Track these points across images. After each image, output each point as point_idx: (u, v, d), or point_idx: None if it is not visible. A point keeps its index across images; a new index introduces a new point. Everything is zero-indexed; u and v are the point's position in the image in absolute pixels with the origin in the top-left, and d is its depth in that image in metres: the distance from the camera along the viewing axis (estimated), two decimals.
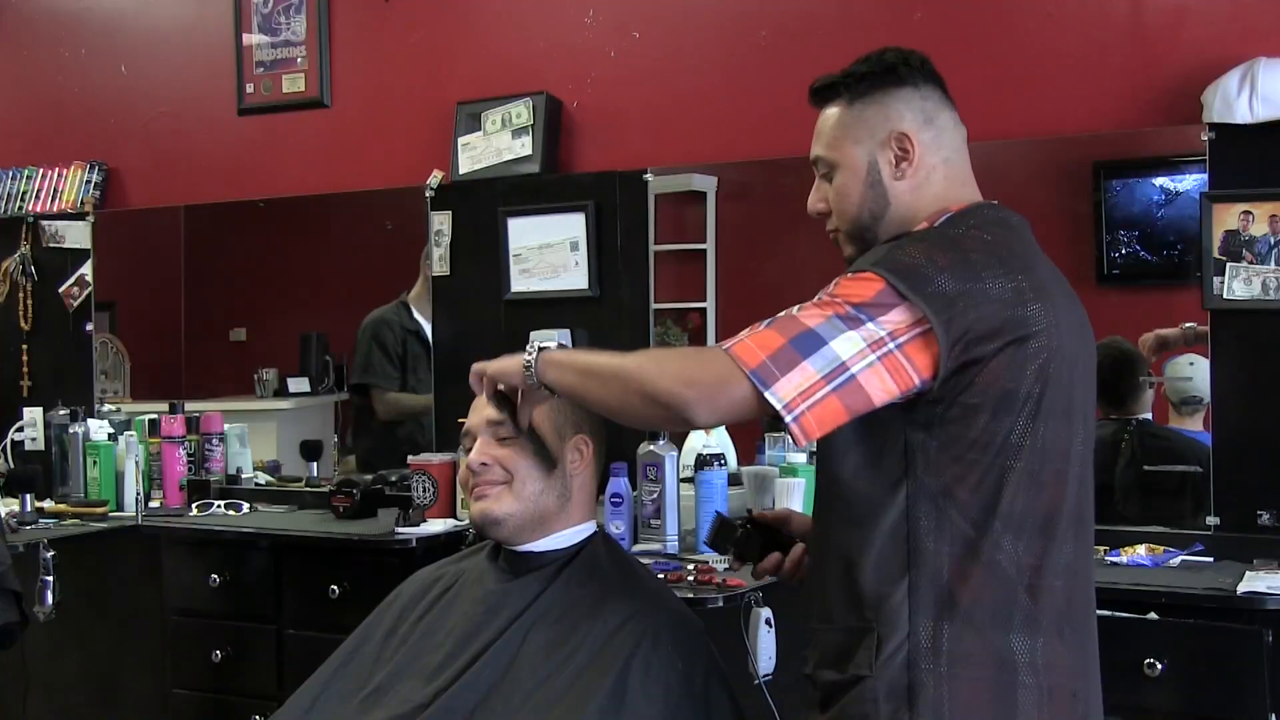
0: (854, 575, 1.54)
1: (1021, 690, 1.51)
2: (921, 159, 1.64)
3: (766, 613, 2.50)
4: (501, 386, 1.78)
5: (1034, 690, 1.51)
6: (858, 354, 1.47)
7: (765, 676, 2.50)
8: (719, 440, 3.02)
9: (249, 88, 4.02)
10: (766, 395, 1.46)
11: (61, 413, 3.99)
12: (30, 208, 4.29)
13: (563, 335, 3.45)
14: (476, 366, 1.80)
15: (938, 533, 1.51)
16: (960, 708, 1.50)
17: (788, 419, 1.46)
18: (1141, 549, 2.67)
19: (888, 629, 1.51)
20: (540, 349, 1.67)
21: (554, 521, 1.91)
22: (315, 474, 3.84)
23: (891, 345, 1.47)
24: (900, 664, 1.50)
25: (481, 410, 1.93)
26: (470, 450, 1.94)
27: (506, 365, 1.73)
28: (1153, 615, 2.40)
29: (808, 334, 1.47)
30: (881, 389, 1.48)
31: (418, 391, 3.80)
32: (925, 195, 1.65)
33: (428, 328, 3.72)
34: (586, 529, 1.95)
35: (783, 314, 1.52)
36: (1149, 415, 2.99)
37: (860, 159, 1.66)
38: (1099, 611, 2.37)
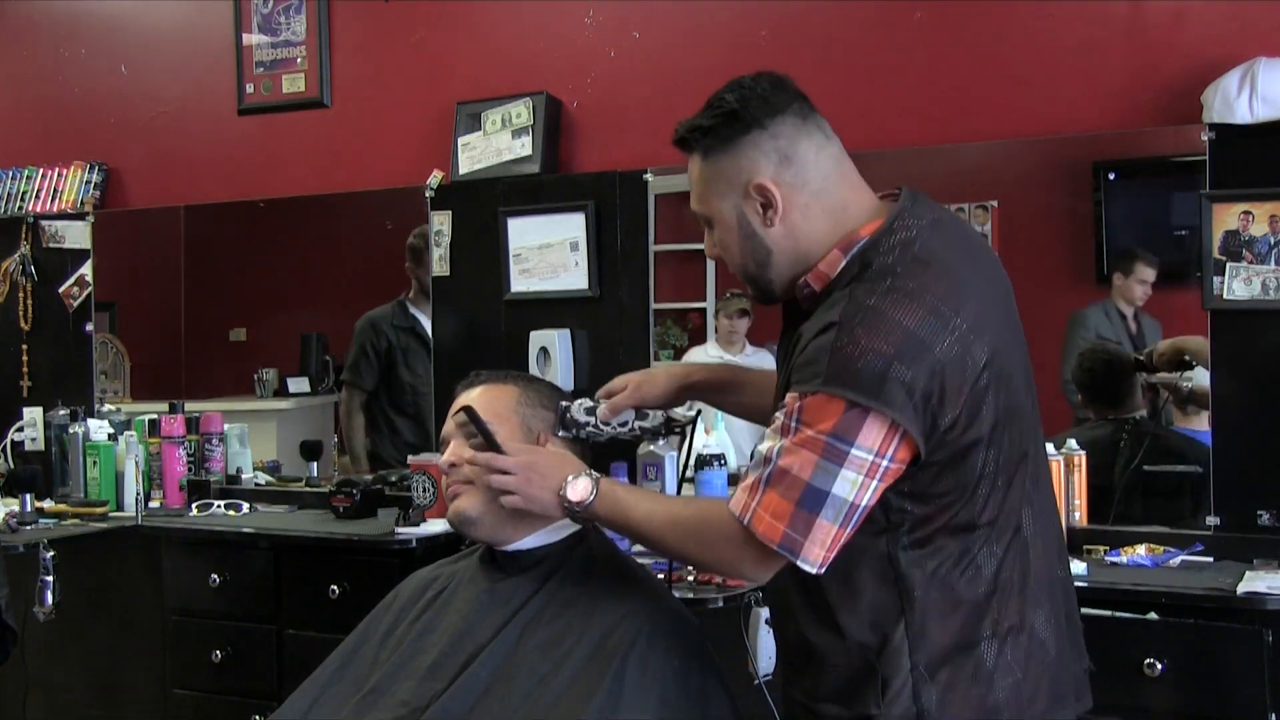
0: (841, 621, 1.57)
1: (998, 691, 1.54)
2: (789, 200, 1.57)
3: (766, 612, 2.50)
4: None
5: (1008, 688, 1.54)
6: (860, 488, 1.46)
7: (765, 676, 2.50)
8: (719, 440, 3.02)
9: (249, 88, 4.02)
10: (799, 564, 1.48)
11: (61, 413, 3.99)
12: (30, 208, 4.29)
13: (562, 335, 3.45)
14: (489, 462, 1.80)
15: (921, 572, 1.53)
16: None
17: (818, 571, 1.49)
18: (1141, 549, 2.67)
19: (891, 669, 1.52)
20: (587, 487, 1.72)
21: (533, 517, 1.89)
22: (315, 474, 3.84)
23: (885, 462, 1.46)
24: (907, 698, 1.52)
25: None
26: None
27: (537, 495, 1.76)
28: (1153, 615, 2.40)
29: (810, 491, 1.45)
30: (879, 495, 1.49)
31: (415, 385, 3.80)
32: (807, 233, 1.58)
33: (425, 323, 3.73)
34: (572, 524, 1.94)
35: (771, 466, 1.49)
36: (1146, 414, 2.99)
37: (728, 213, 1.61)
38: (1098, 611, 2.40)
